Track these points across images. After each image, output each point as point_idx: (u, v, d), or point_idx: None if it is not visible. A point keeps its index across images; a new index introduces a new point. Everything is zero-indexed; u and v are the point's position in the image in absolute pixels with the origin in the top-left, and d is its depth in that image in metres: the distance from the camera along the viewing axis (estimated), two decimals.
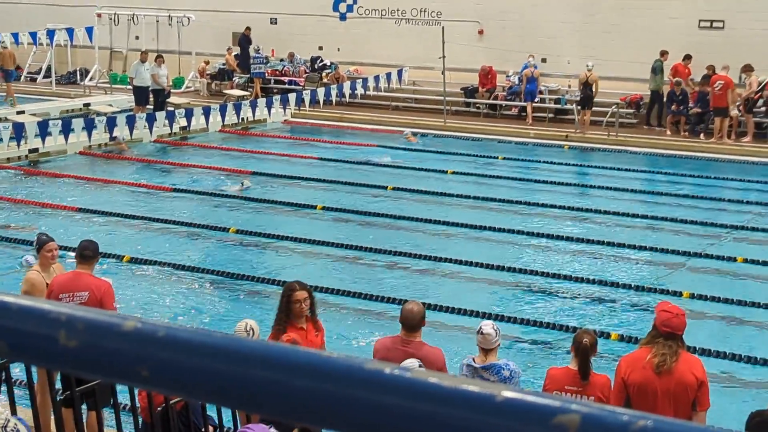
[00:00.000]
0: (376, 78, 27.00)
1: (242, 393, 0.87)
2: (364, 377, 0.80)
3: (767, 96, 25.67)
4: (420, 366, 7.28)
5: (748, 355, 11.31)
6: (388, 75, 27.08)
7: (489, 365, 7.70)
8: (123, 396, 7.70)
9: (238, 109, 25.51)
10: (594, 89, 26.63)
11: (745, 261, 15.22)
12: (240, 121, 26.72)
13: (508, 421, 0.76)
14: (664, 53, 26.98)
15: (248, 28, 32.51)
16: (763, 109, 25.94)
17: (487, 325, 7.90)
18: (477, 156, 24.08)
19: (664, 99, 27.01)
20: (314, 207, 18.52)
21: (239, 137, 26.49)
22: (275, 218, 18.06)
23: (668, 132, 26.54)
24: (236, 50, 32.88)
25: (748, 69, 25.79)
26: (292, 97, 26.52)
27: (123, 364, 0.95)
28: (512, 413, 0.77)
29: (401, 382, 0.78)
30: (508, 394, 0.76)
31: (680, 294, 13.33)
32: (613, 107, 26.30)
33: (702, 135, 26.04)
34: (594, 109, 27.64)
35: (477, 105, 29.91)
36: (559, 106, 28.93)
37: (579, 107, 26.77)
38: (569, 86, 29.04)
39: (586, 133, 26.22)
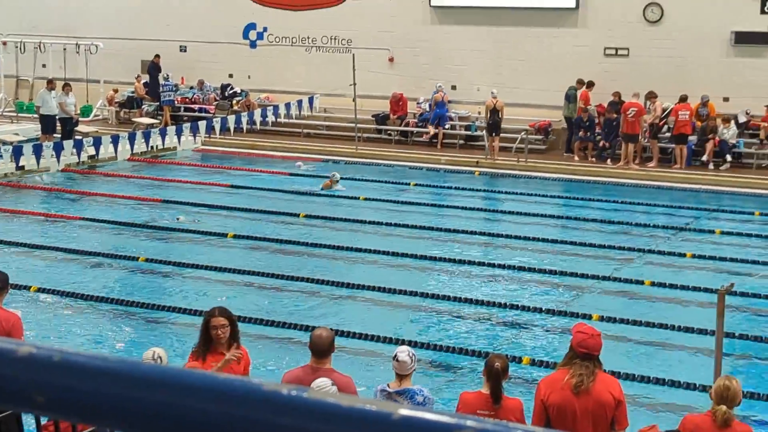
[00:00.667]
0: (287, 105, 26.99)
1: (139, 417, 0.86)
2: (262, 398, 0.79)
3: (671, 122, 26.26)
4: (332, 384, 7.27)
5: (656, 376, 11.50)
6: (300, 102, 27.09)
7: (403, 390, 7.71)
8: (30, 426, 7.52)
9: (147, 137, 25.25)
10: (500, 115, 27.03)
11: (653, 284, 15.49)
12: (149, 149, 26.45)
13: None
14: (580, 81, 27.46)
15: (157, 56, 32.25)
16: (667, 135, 26.53)
17: (403, 352, 7.92)
18: (389, 182, 24.18)
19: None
20: (225, 235, 18.38)
21: (149, 165, 26.21)
22: (186, 246, 17.87)
23: (576, 158, 26.98)
24: (145, 78, 32.59)
25: (652, 96, 26.40)
26: (202, 124, 26.35)
27: (17, 391, 0.93)
28: (409, 431, 0.77)
29: (299, 402, 0.78)
30: (405, 412, 0.76)
31: (590, 317, 13.51)
32: (523, 134, 26.65)
33: (609, 160, 26.54)
34: (503, 135, 28.00)
35: (388, 132, 30.06)
36: (469, 132, 29.22)
37: (487, 134, 27.09)
38: (479, 113, 29.35)
39: (496, 159, 26.52)
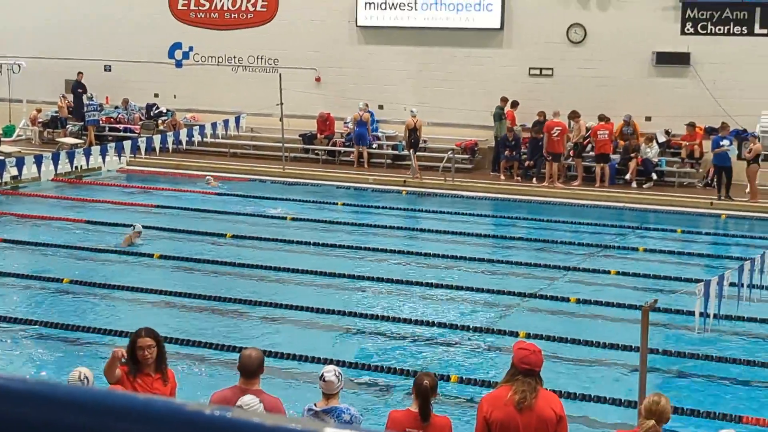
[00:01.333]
0: (214, 125, 26.81)
1: None
2: (186, 419, 0.78)
3: (594, 141, 26.62)
4: (259, 402, 7.23)
5: (582, 392, 11.61)
6: (226, 122, 26.92)
7: (330, 408, 7.69)
8: None
9: (71, 157, 24.88)
10: (419, 134, 27.38)
11: (578, 301, 15.66)
12: (74, 169, 26.06)
13: None
14: (504, 99, 27.75)
15: (80, 73, 31.90)
16: (591, 153, 26.89)
17: (330, 372, 7.90)
18: (316, 202, 24.15)
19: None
20: (152, 255, 18.19)
21: (73, 186, 25.85)
22: (111, 268, 17.64)
23: (502, 176, 27.21)
24: (70, 97, 32.18)
25: (575, 115, 26.78)
26: (127, 144, 26.05)
27: None
28: None
29: (223, 422, 0.77)
30: (330, 430, 0.75)
31: (517, 334, 13.59)
32: (449, 153, 26.82)
33: (534, 179, 26.82)
34: (430, 154, 28.23)
35: (316, 151, 30.04)
36: (396, 152, 29.34)
37: (411, 152, 27.33)
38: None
39: (422, 178, 26.64)
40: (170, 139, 26.02)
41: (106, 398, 0.80)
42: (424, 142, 29.26)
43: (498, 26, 28.65)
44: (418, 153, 28.01)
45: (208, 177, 26.08)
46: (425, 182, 26.48)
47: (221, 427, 0.76)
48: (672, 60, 27.10)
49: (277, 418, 0.77)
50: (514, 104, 27.94)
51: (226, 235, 20.04)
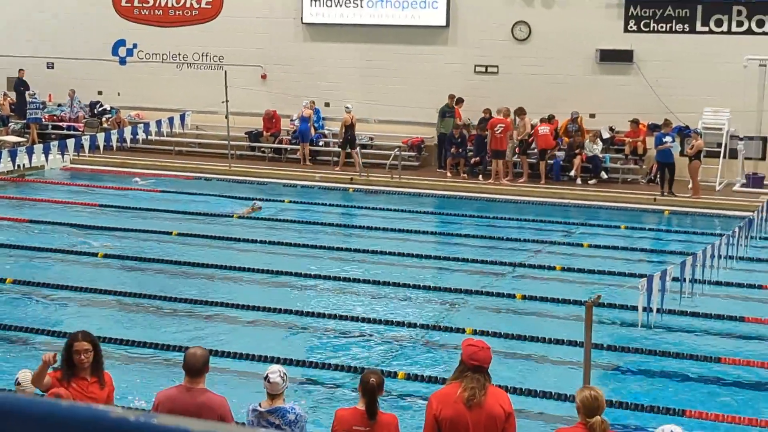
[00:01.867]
0: (159, 123, 26.60)
1: None
2: (110, 426, 0.77)
3: (536, 138, 26.78)
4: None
5: (528, 387, 11.69)
6: (171, 119, 26.72)
7: (274, 409, 7.67)
8: None
9: (13, 155, 24.54)
10: (354, 130, 27.59)
11: (524, 297, 15.76)
12: (16, 168, 25.71)
13: None
14: (452, 97, 27.81)
15: (22, 70, 31.52)
16: (536, 150, 27.07)
17: (274, 373, 7.87)
18: (263, 200, 24.05)
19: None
20: (96, 255, 18.01)
21: (16, 185, 25.52)
22: (55, 267, 17.45)
23: (448, 174, 27.30)
24: (12, 95, 31.74)
25: (521, 112, 26.94)
26: (70, 142, 25.73)
27: None
28: None
29: (147, 429, 0.76)
30: None
31: (463, 330, 13.65)
32: (396, 150, 26.86)
33: (480, 176, 26.93)
34: (377, 152, 28.29)
35: (262, 149, 29.94)
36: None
37: (342, 149, 27.52)
38: None
39: (369, 175, 26.65)
40: (114, 137, 25.77)
41: (27, 406, 0.78)
42: (371, 139, 29.29)
43: (444, 24, 28.73)
44: (363, 150, 28.06)
45: (136, 178, 25.92)
46: (372, 180, 26.49)
47: None
48: (615, 58, 27.37)
49: (204, 424, 0.76)
50: (459, 101, 28.04)
51: (172, 233, 19.90)
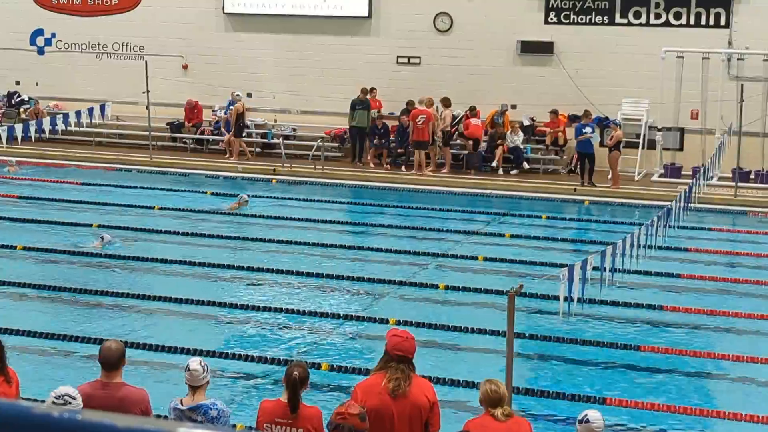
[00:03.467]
0: (78, 113, 26.13)
1: None
2: (32, 422, 0.75)
3: (461, 129, 26.95)
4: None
5: (450, 377, 11.75)
6: (90, 110, 26.26)
7: (196, 406, 7.60)
8: None
9: None
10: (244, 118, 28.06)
11: (447, 287, 15.85)
12: None
13: None
14: (363, 91, 27.72)
15: None
16: (458, 141, 27.21)
17: (194, 362, 7.80)
18: (184, 191, 23.84)
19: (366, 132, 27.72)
20: (14, 247, 17.68)
21: None
22: None
23: (371, 164, 27.32)
24: None
25: (446, 103, 27.04)
26: None
27: None
28: None
29: (71, 425, 0.74)
30: (182, 430, 0.74)
31: (387, 321, 13.68)
32: (319, 141, 26.80)
33: (403, 167, 27.00)
34: (300, 143, 28.24)
35: (184, 140, 29.65)
36: (266, 140, 29.19)
37: (237, 137, 27.84)
38: (275, 120, 29.41)
39: (293, 166, 26.55)
40: (33, 128, 25.25)
41: None
42: (293, 130, 29.19)
43: (366, 14, 28.71)
44: (286, 141, 27.99)
45: (11, 159, 25.02)
46: (295, 170, 26.40)
47: (69, 429, 0.73)
48: (536, 49, 27.62)
49: (129, 420, 0.75)
50: (371, 90, 28.03)
51: (92, 225, 19.61)
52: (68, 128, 26.45)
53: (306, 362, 10.37)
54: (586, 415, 7.50)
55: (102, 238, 18.10)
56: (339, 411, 6.68)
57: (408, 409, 7.22)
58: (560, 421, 10.67)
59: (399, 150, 27.29)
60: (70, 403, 6.89)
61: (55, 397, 6.82)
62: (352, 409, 6.67)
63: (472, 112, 27.05)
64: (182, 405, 7.66)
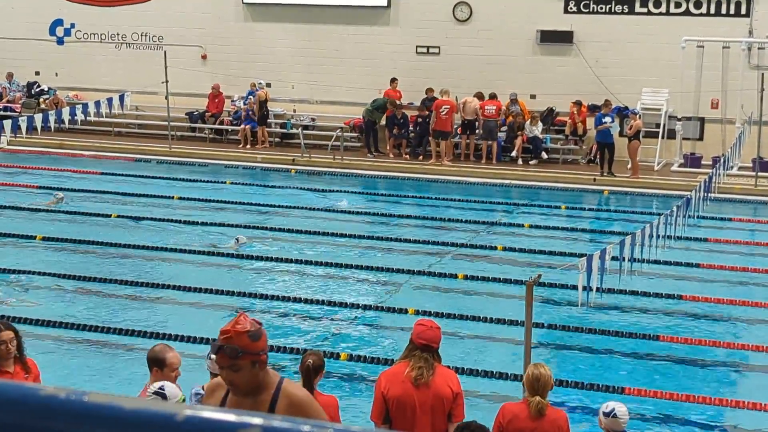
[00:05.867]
0: (97, 103, 26.21)
1: None
2: (39, 404, 0.75)
3: (482, 117, 26.88)
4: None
5: (470, 367, 11.76)
6: (110, 100, 26.34)
7: None
8: None
9: None
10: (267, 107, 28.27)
11: (465, 277, 15.85)
12: None
13: None
14: (389, 96, 27.58)
15: None
16: (479, 131, 27.15)
17: None
18: (204, 181, 23.89)
19: (382, 123, 27.58)
20: (34, 237, 17.76)
21: None
22: None
23: (391, 155, 27.30)
24: None
25: (480, 97, 26.86)
26: (7, 123, 25.28)
27: None
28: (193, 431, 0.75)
29: (78, 407, 0.74)
30: (189, 412, 0.74)
31: (406, 311, 13.70)
32: (338, 131, 26.79)
33: (421, 157, 26.96)
34: (319, 133, 28.23)
35: (203, 130, 29.71)
36: (285, 130, 29.22)
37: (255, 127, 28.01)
38: (294, 110, 29.44)
39: (312, 156, 26.58)
40: (52, 118, 25.36)
41: None
42: (312, 120, 29.21)
43: (385, 4, 28.67)
44: (305, 131, 28.01)
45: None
46: (314, 161, 26.42)
47: (77, 411, 0.73)
48: (555, 38, 27.52)
49: (135, 401, 0.75)
50: (393, 80, 27.98)
51: (111, 215, 19.69)
52: (87, 118, 26.54)
53: (324, 352, 10.41)
54: (613, 409, 7.41)
55: (237, 239, 17.62)
56: (224, 329, 5.14)
57: (430, 398, 7.21)
58: (578, 410, 10.65)
59: (418, 140, 27.20)
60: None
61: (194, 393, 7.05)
62: (240, 325, 5.09)
63: (495, 99, 26.86)
64: (203, 390, 7.69)
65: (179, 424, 0.71)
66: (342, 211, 20.69)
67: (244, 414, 0.69)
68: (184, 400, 6.86)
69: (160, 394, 6.85)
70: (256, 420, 0.70)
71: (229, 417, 0.71)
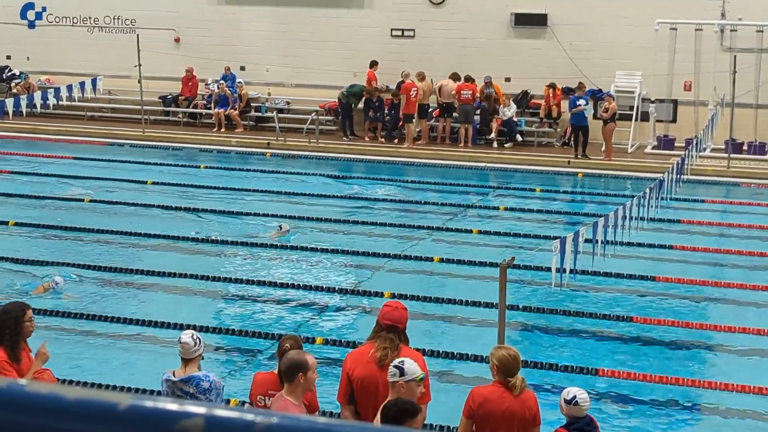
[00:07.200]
0: (69, 87, 26.01)
1: None
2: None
3: (458, 101, 26.87)
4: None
5: (445, 350, 11.79)
6: (82, 84, 26.16)
7: (188, 378, 7.61)
8: None
9: None
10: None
11: (441, 260, 15.87)
12: None
13: (132, 430, 0.73)
14: (369, 83, 27.50)
15: None
16: (455, 115, 27.12)
17: (186, 335, 7.82)
18: (178, 165, 23.79)
19: (359, 106, 27.57)
20: (7, 223, 17.65)
21: None
22: None
23: (366, 138, 27.26)
24: None
25: (456, 78, 26.81)
26: None
27: None
28: (135, 422, 0.74)
29: (19, 397, 0.73)
30: (130, 401, 0.73)
31: (382, 294, 13.71)
32: (313, 115, 26.72)
33: (397, 140, 26.94)
34: (294, 116, 28.16)
35: (177, 114, 29.56)
36: (260, 114, 29.11)
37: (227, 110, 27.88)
38: (269, 94, 29.32)
39: (287, 140, 26.50)
40: (24, 103, 25.17)
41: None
42: (287, 104, 29.12)
43: None
44: (280, 114, 27.92)
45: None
46: (289, 144, 26.35)
47: (14, 400, 0.72)
48: (530, 21, 27.50)
49: (77, 391, 0.74)
50: (373, 64, 27.90)
51: (84, 200, 19.59)
52: (60, 102, 26.36)
53: (300, 336, 10.42)
54: (574, 396, 7.37)
55: (280, 227, 17.41)
56: None
57: None
58: (552, 392, 10.70)
59: (393, 124, 27.16)
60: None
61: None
62: None
63: (472, 82, 26.80)
64: (174, 376, 7.68)
65: (121, 414, 0.71)
66: (317, 195, 20.65)
67: (187, 403, 0.68)
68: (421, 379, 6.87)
69: (399, 368, 6.81)
70: (199, 409, 0.69)
71: (172, 406, 0.71)
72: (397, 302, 7.77)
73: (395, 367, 6.79)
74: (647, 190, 14.71)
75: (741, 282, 14.86)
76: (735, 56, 24.27)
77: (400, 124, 27.07)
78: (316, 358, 11.46)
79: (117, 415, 0.71)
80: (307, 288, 14.43)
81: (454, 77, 26.87)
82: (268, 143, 26.43)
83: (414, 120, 26.49)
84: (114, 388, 10.16)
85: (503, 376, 7.23)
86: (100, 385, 10.16)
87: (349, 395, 7.35)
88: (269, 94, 29.41)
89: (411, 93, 26.19)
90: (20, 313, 7.71)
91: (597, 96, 25.98)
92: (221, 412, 0.70)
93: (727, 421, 10.49)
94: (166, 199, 19.93)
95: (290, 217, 18.57)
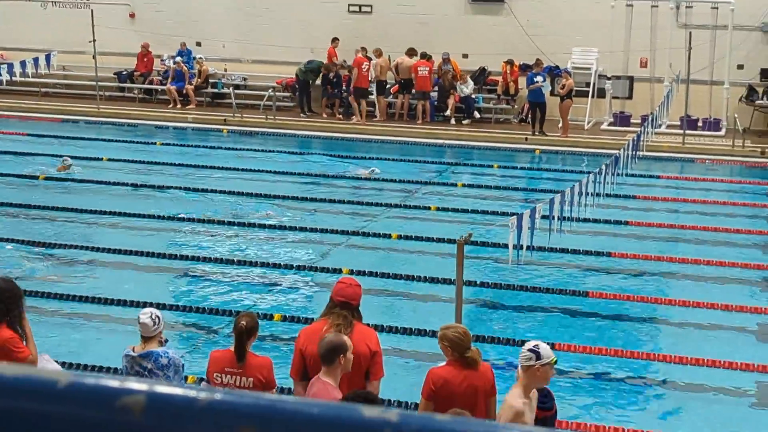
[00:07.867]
0: (23, 63, 25.71)
1: None
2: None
3: (415, 78, 26.82)
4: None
5: (404, 326, 11.83)
6: (36, 60, 25.84)
7: (147, 353, 7.60)
8: None
9: None
10: None
11: (399, 237, 15.89)
12: None
13: (72, 407, 0.73)
14: (330, 59, 27.38)
15: None
16: (414, 92, 27.09)
17: (145, 314, 7.79)
18: (133, 142, 23.60)
19: (317, 82, 27.49)
20: None
21: None
22: None
23: (324, 114, 27.18)
24: None
25: (377, 53, 26.76)
26: None
27: None
28: (75, 399, 0.73)
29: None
30: (70, 379, 0.72)
31: (340, 271, 13.70)
32: (270, 91, 26.59)
33: (354, 117, 26.89)
34: (251, 92, 28.00)
35: (132, 90, 29.29)
36: (216, 90, 28.93)
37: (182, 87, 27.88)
38: (225, 70, 29.13)
39: (243, 116, 26.37)
40: None
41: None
42: (244, 80, 28.95)
43: None
44: (237, 91, 27.76)
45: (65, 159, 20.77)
46: (246, 120, 26.21)
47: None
48: None
49: (18, 369, 0.73)
50: (334, 40, 27.76)
51: (38, 177, 19.39)
52: (13, 78, 26.04)
53: (258, 313, 10.41)
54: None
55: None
56: None
57: None
58: (509, 368, 10.76)
59: (350, 100, 27.10)
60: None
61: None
62: None
63: (428, 59, 26.79)
64: (134, 352, 7.68)
65: (61, 391, 0.70)
66: (275, 172, 20.57)
67: (129, 380, 0.68)
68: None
69: (535, 352, 6.69)
70: (141, 386, 0.68)
71: (113, 383, 0.70)
72: (351, 279, 7.77)
73: (530, 350, 6.69)
74: (603, 167, 14.81)
75: (696, 257, 15.02)
76: (690, 33, 24.42)
77: (351, 98, 26.98)
78: (276, 336, 11.51)
79: (57, 392, 0.70)
80: (265, 265, 14.41)
81: (411, 53, 26.84)
82: (225, 120, 26.29)
83: (369, 95, 26.43)
84: (71, 366, 10.10)
85: (458, 354, 7.17)
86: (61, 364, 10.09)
87: (302, 371, 7.34)
88: (225, 70, 29.22)
89: (363, 67, 26.11)
90: (19, 292, 7.61)
91: (554, 73, 26.05)
92: (163, 389, 0.70)
93: (680, 394, 10.61)
94: (122, 176, 19.76)
95: (248, 194, 18.51)
